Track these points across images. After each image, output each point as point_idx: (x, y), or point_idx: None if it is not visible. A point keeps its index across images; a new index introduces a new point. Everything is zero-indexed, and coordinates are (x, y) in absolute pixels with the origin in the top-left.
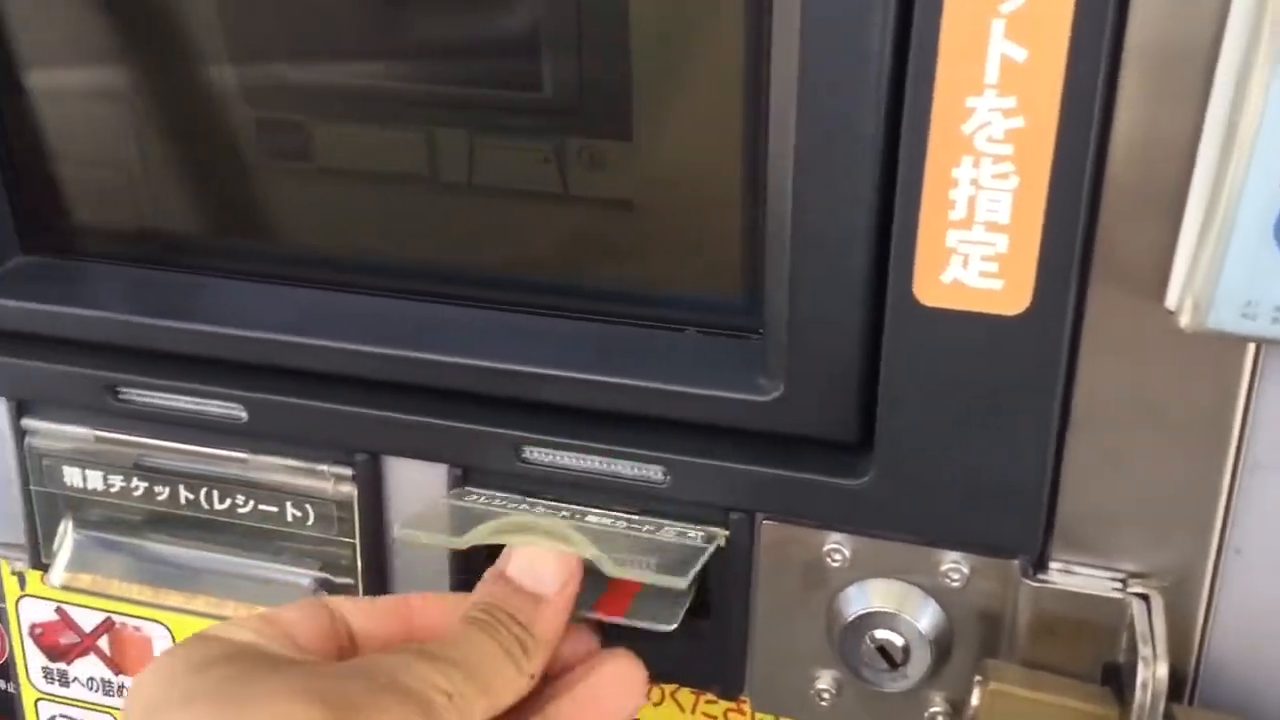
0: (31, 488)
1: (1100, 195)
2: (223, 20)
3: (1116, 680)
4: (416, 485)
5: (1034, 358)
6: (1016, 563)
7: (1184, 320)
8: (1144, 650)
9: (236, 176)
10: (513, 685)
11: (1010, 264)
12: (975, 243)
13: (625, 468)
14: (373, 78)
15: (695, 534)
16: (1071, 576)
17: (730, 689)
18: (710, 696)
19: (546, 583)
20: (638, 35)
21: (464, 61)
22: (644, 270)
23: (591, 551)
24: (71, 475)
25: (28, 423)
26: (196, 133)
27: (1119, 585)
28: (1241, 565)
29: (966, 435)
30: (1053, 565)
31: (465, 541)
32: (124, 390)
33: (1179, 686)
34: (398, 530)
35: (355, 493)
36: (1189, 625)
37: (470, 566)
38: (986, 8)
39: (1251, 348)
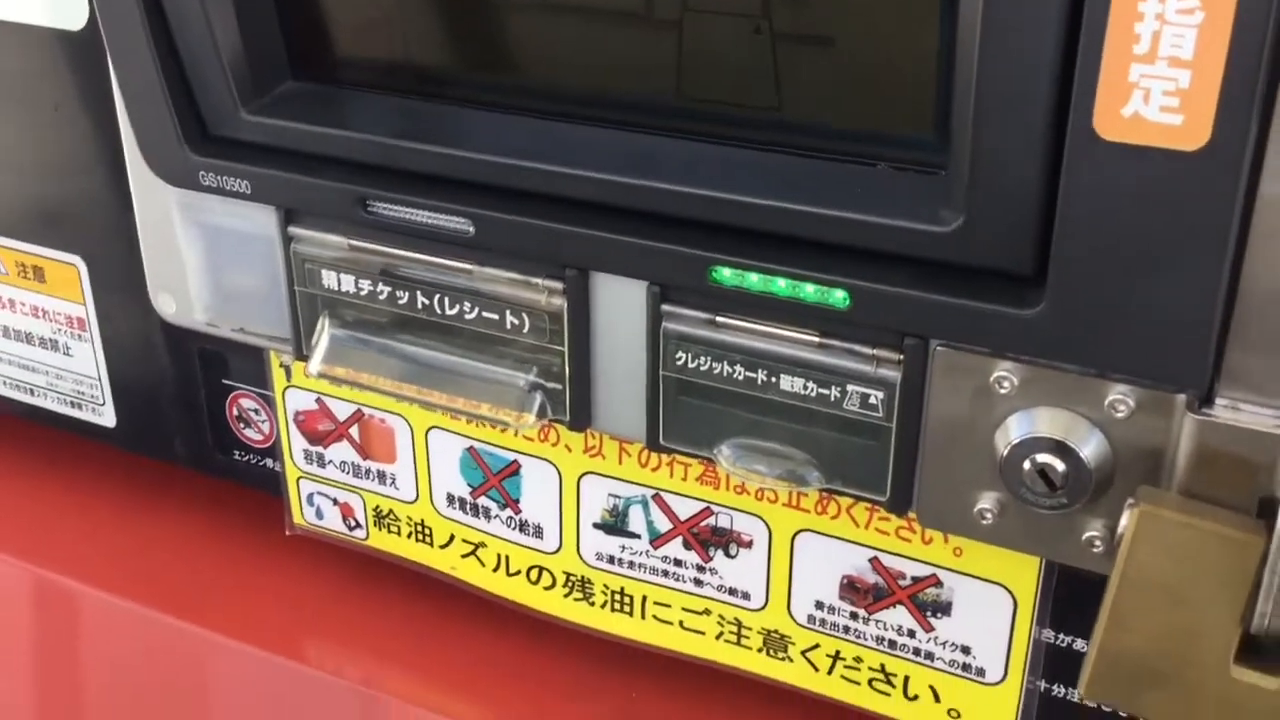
0: (295, 288)
1: None
2: None
3: (1271, 514)
4: (620, 300)
5: (1211, 194)
6: (1183, 397)
7: None
8: None
9: (477, 13)
10: None
11: (1192, 100)
12: (1158, 77)
13: (810, 291)
14: None
15: (870, 354)
16: (1237, 413)
17: (900, 506)
18: (882, 514)
19: None
20: None
21: None
22: (842, 106)
23: None
24: (329, 278)
25: (294, 230)
26: None
27: None
28: None
29: (1140, 269)
30: (1219, 401)
31: None
32: (372, 203)
33: None
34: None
35: (565, 305)
36: None
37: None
38: None
39: None
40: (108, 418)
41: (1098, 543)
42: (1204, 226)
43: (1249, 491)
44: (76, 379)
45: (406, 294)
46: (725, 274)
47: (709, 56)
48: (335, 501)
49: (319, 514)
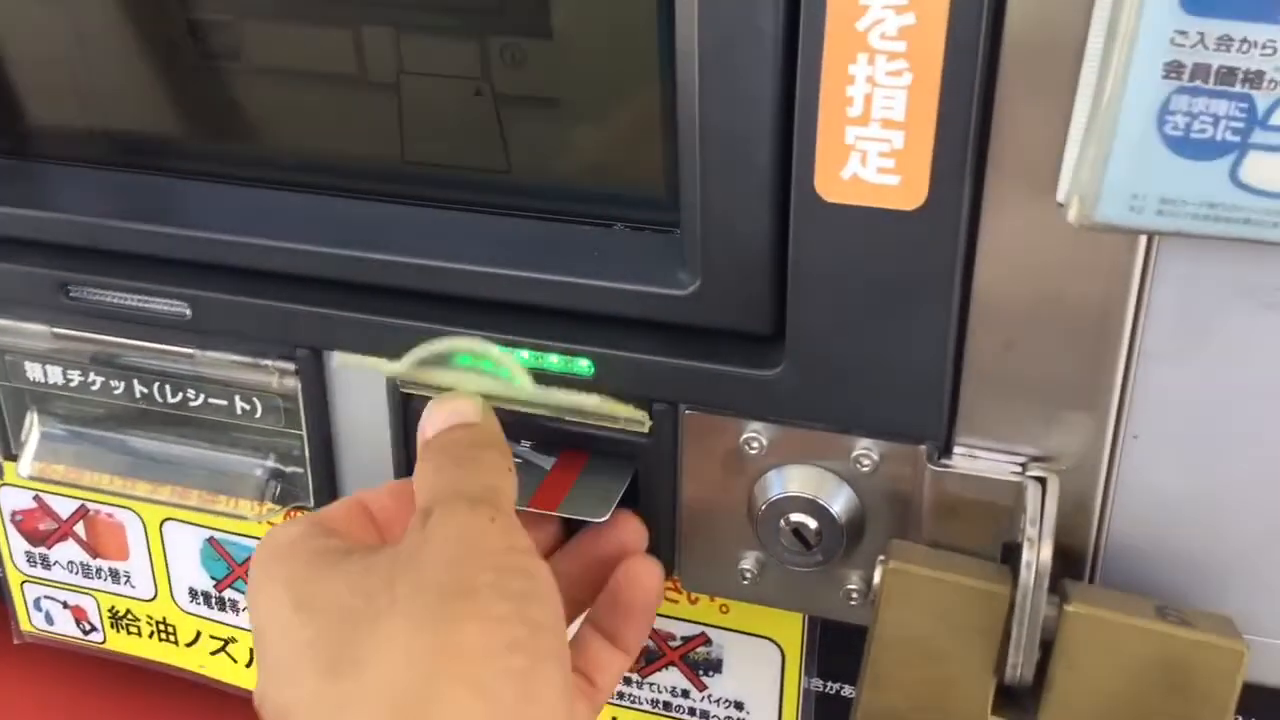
0: None
1: (994, 91)
2: None
3: (1014, 560)
4: (358, 377)
5: (932, 251)
6: (923, 448)
7: (1072, 214)
8: (1030, 531)
9: (174, 77)
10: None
11: (906, 160)
12: (872, 139)
13: (555, 361)
14: None
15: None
16: (974, 461)
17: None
18: None
19: (469, 414)
20: None
21: None
22: (573, 167)
23: (517, 372)
24: (33, 370)
25: None
26: (132, 34)
27: (1019, 469)
28: (1139, 450)
29: (872, 326)
30: (957, 450)
31: (398, 369)
32: (74, 288)
33: (1078, 566)
34: (336, 360)
35: (299, 385)
36: (1088, 508)
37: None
38: None
39: (1143, 239)
40: None
41: (855, 595)
42: (929, 282)
43: (993, 536)
44: None
45: (122, 383)
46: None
47: (431, 119)
48: (65, 605)
49: (49, 619)
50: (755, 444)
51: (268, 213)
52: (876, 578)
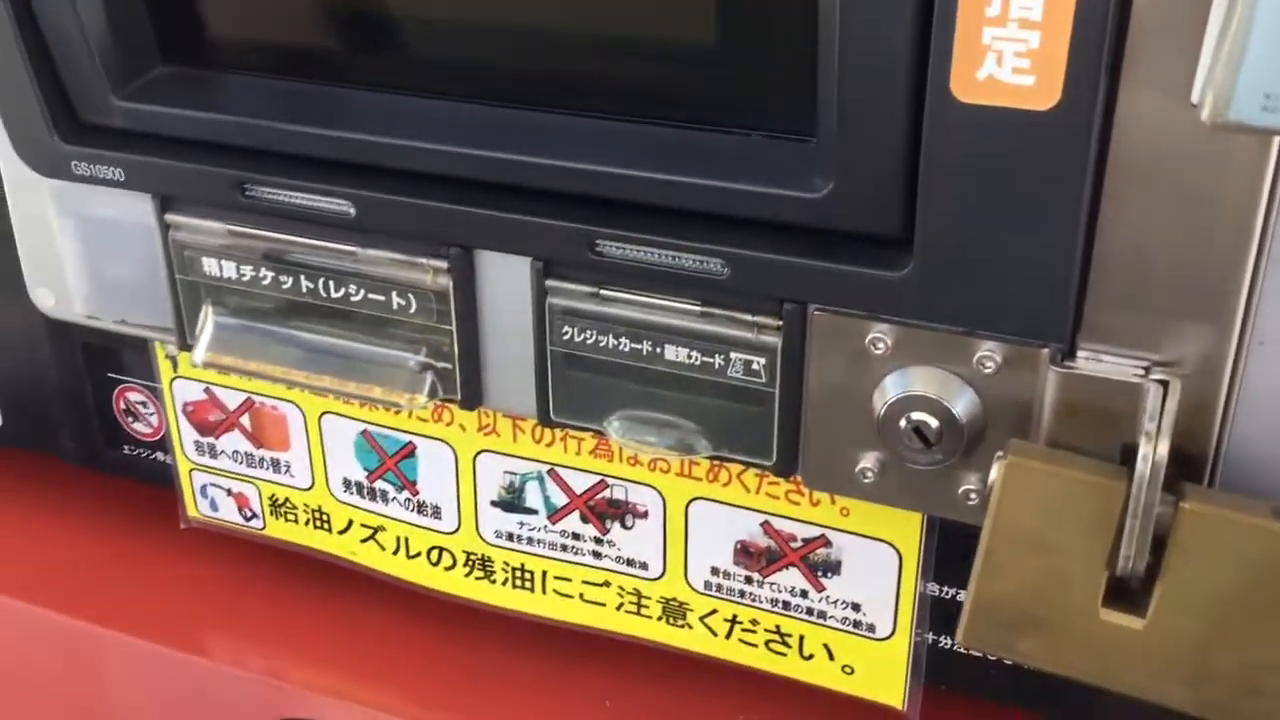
0: (176, 276)
1: None
2: None
3: (1132, 460)
4: (505, 277)
5: (1065, 151)
6: (1046, 351)
7: (1205, 114)
8: (1148, 426)
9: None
10: None
11: (1042, 60)
12: (1009, 39)
13: (689, 260)
14: None
15: (751, 321)
16: (1098, 364)
17: (786, 469)
18: (772, 478)
19: None
20: None
21: None
22: (717, 79)
23: None
24: (210, 265)
25: (171, 217)
26: None
27: (1141, 373)
28: (1264, 356)
29: (1000, 228)
30: (1080, 353)
31: None
32: (250, 187)
33: (1197, 471)
34: None
35: (450, 284)
36: (1209, 414)
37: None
38: None
39: (1277, 140)
40: None
41: (973, 496)
42: (1060, 183)
43: (1112, 440)
44: None
45: (290, 278)
46: (609, 248)
47: (585, 35)
48: (229, 492)
49: (213, 506)
50: (880, 344)
51: (426, 119)
52: (994, 473)
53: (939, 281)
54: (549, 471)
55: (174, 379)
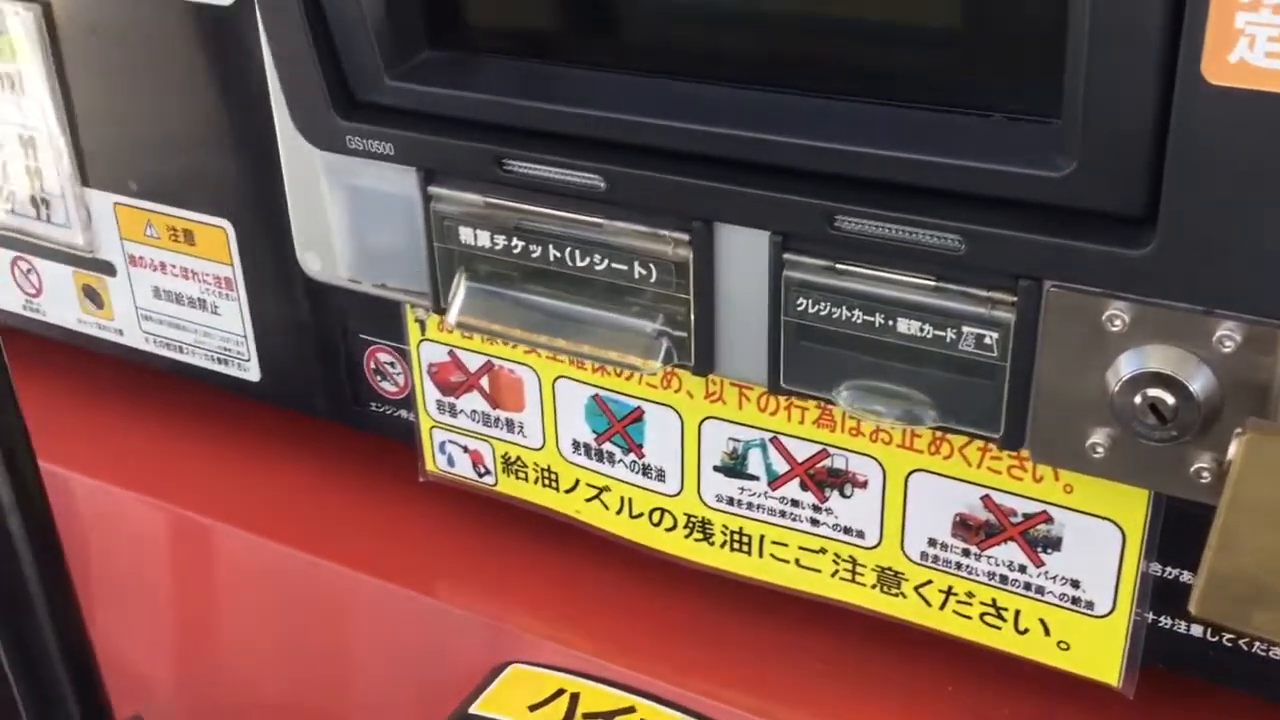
0: (434, 244)
1: None
2: None
3: None
4: (743, 251)
5: None
6: None
7: None
8: None
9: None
10: None
11: None
12: (1262, 24)
13: (926, 235)
14: None
15: (985, 296)
16: None
17: (1013, 442)
18: (994, 453)
19: None
20: None
21: None
22: (959, 61)
23: None
24: (466, 234)
25: (433, 189)
26: None
27: None
28: None
29: (1247, 209)
30: None
31: None
32: (508, 162)
33: None
34: None
35: (690, 256)
36: None
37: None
38: None
39: None
40: (252, 373)
41: (1205, 474)
42: None
43: None
44: (224, 336)
45: (539, 248)
46: (848, 223)
47: (828, 19)
48: (466, 449)
49: (450, 461)
50: (1117, 321)
51: (672, 99)
52: (1233, 449)
53: (1181, 260)
54: (772, 439)
55: (421, 341)
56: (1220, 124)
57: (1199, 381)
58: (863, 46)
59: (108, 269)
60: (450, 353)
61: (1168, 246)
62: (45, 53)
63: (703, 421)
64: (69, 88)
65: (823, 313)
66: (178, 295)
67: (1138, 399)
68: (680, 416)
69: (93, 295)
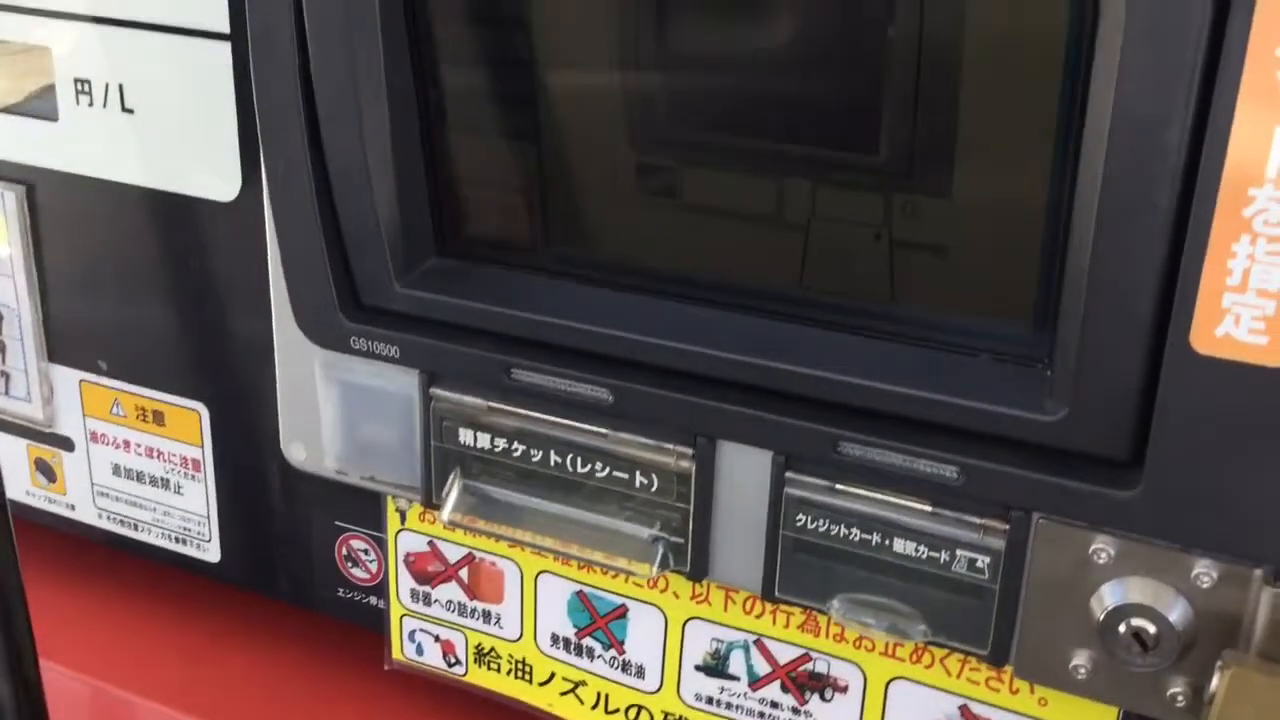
0: (432, 443)
1: None
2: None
3: None
4: (745, 466)
5: None
6: (1259, 571)
7: None
8: None
9: (613, 206)
10: None
11: (1276, 325)
12: (1247, 305)
13: (924, 465)
14: (738, 136)
15: (979, 524)
16: None
17: (999, 659)
18: (973, 664)
19: None
20: (965, 105)
21: (812, 128)
22: (952, 303)
23: None
24: (465, 435)
25: (435, 391)
26: (585, 170)
27: None
28: None
29: (1227, 462)
30: None
31: None
32: (516, 371)
33: None
34: None
35: (694, 469)
36: None
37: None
38: (1271, 118)
39: None
40: (212, 553)
41: (1180, 698)
42: None
43: None
44: (184, 516)
45: (540, 452)
46: (851, 449)
47: (831, 256)
48: (437, 639)
49: (419, 650)
50: (1103, 555)
51: (682, 319)
52: (1215, 681)
53: (1165, 503)
54: (755, 641)
55: (400, 530)
56: (1205, 388)
57: (1177, 613)
58: (864, 286)
59: (65, 444)
60: (430, 543)
61: (1153, 490)
62: (24, 231)
63: (687, 621)
64: (44, 267)
65: (821, 529)
66: (139, 473)
67: (1122, 627)
68: (665, 615)
69: (45, 469)
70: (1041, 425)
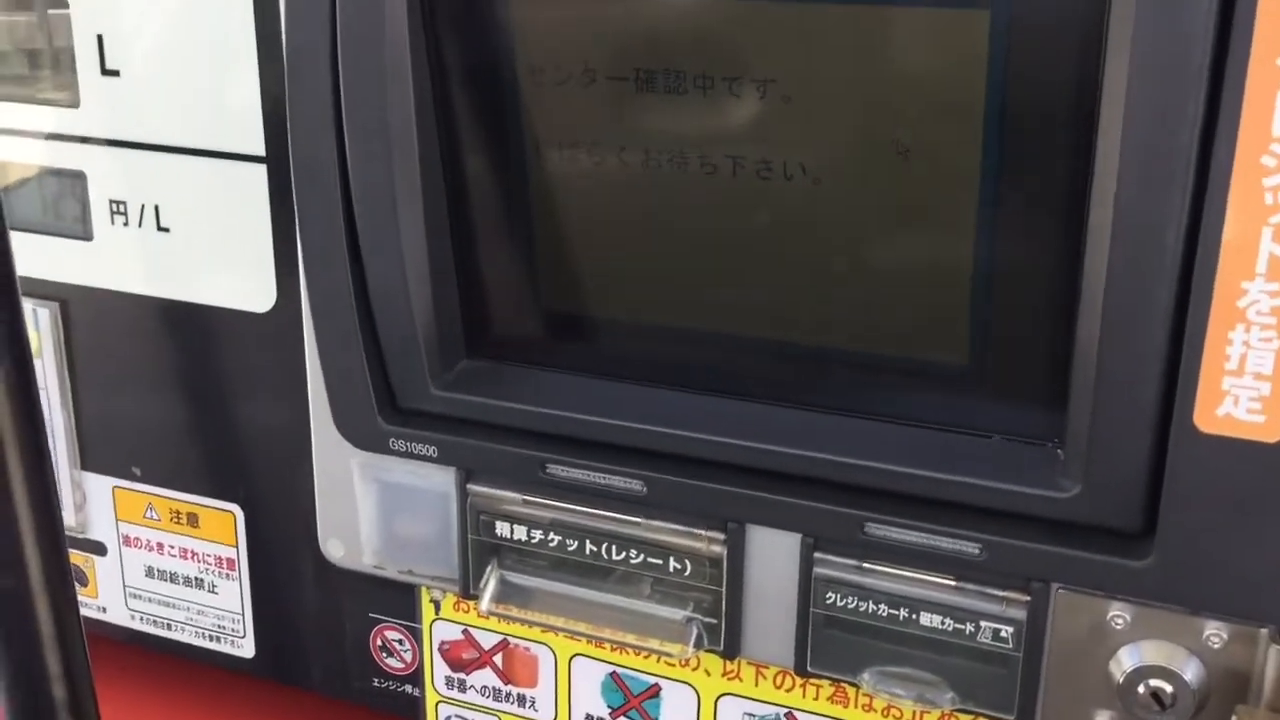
0: (469, 536)
1: None
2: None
3: None
4: (775, 549)
5: None
6: (1265, 630)
7: None
8: None
9: (632, 317)
10: None
11: (1272, 405)
12: (1244, 388)
13: (946, 542)
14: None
15: (1001, 596)
16: None
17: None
18: None
19: None
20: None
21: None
22: (969, 396)
23: None
24: (502, 528)
25: (472, 487)
26: (607, 271)
27: None
28: None
29: (1233, 533)
30: None
31: None
32: (551, 466)
33: None
34: None
35: (725, 553)
36: None
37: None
38: (1259, 218)
39: None
40: (246, 649)
41: None
42: None
43: None
44: (219, 614)
45: (575, 542)
46: (877, 530)
47: (860, 359)
48: None
49: None
50: (1119, 621)
51: (710, 411)
52: None
53: (1175, 571)
54: (786, 714)
55: (434, 620)
56: (1209, 464)
57: (1191, 673)
58: (881, 380)
59: (98, 549)
60: (464, 631)
61: (1164, 559)
62: (58, 345)
63: (719, 697)
64: (77, 376)
65: (850, 605)
66: (173, 574)
67: (1140, 688)
68: (697, 693)
69: (76, 574)
70: (1057, 502)
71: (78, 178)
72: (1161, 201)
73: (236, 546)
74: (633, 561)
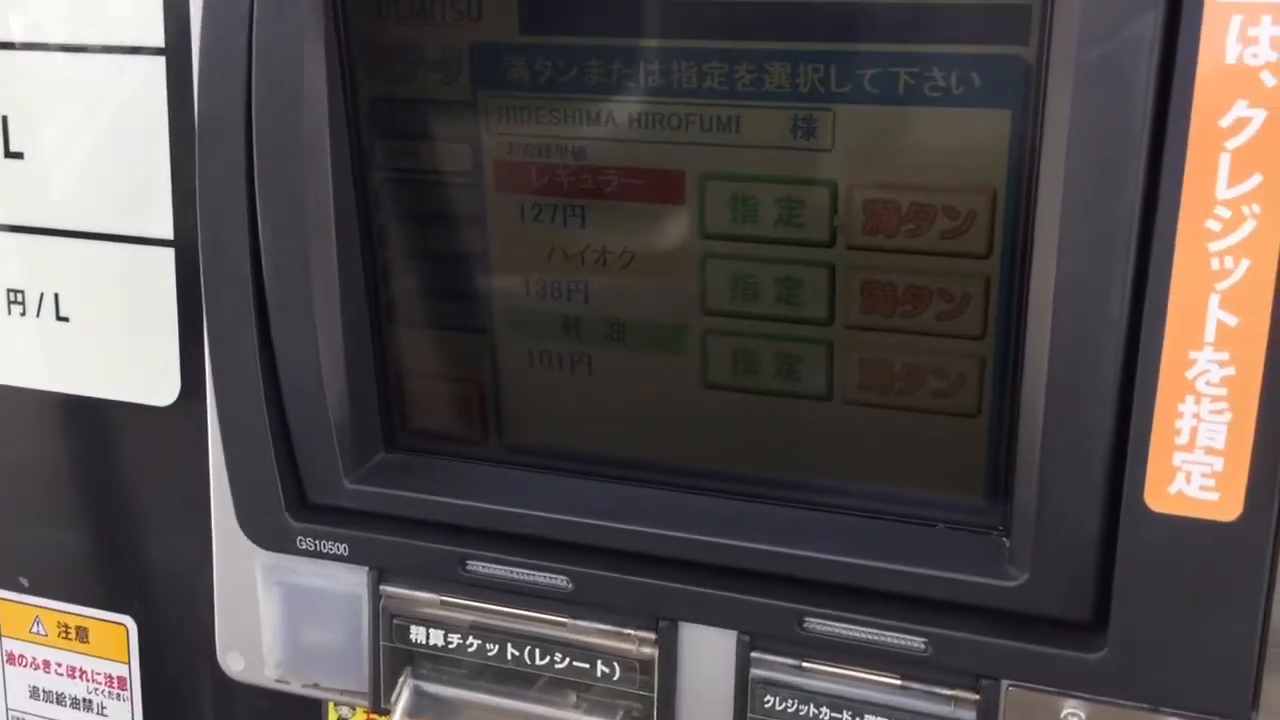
0: (381, 643)
1: None
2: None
3: None
4: (709, 648)
5: (1245, 557)
6: None
7: None
8: None
9: (564, 395)
10: None
11: (1225, 481)
12: (1196, 463)
13: (891, 637)
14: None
15: (949, 695)
16: None
17: None
18: None
19: None
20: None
21: None
22: (909, 478)
23: None
24: (417, 633)
25: (385, 588)
26: (535, 360)
27: None
28: None
29: (1189, 621)
30: None
31: None
32: (471, 562)
33: None
34: None
35: (656, 654)
36: None
37: None
38: (1205, 285)
39: None
40: None
41: None
42: (1242, 584)
43: None
44: None
45: (496, 647)
46: (816, 625)
47: (787, 436)
48: None
49: None
50: (1073, 718)
51: (637, 502)
52: None
53: (1131, 663)
54: None
55: None
56: (1162, 545)
57: None
58: (821, 465)
59: None
60: None
61: (1118, 652)
62: None
63: None
64: None
65: (790, 710)
66: (59, 695)
67: None
68: None
69: None
70: (1003, 591)
71: None
72: (1104, 270)
73: (129, 663)
74: (558, 666)
